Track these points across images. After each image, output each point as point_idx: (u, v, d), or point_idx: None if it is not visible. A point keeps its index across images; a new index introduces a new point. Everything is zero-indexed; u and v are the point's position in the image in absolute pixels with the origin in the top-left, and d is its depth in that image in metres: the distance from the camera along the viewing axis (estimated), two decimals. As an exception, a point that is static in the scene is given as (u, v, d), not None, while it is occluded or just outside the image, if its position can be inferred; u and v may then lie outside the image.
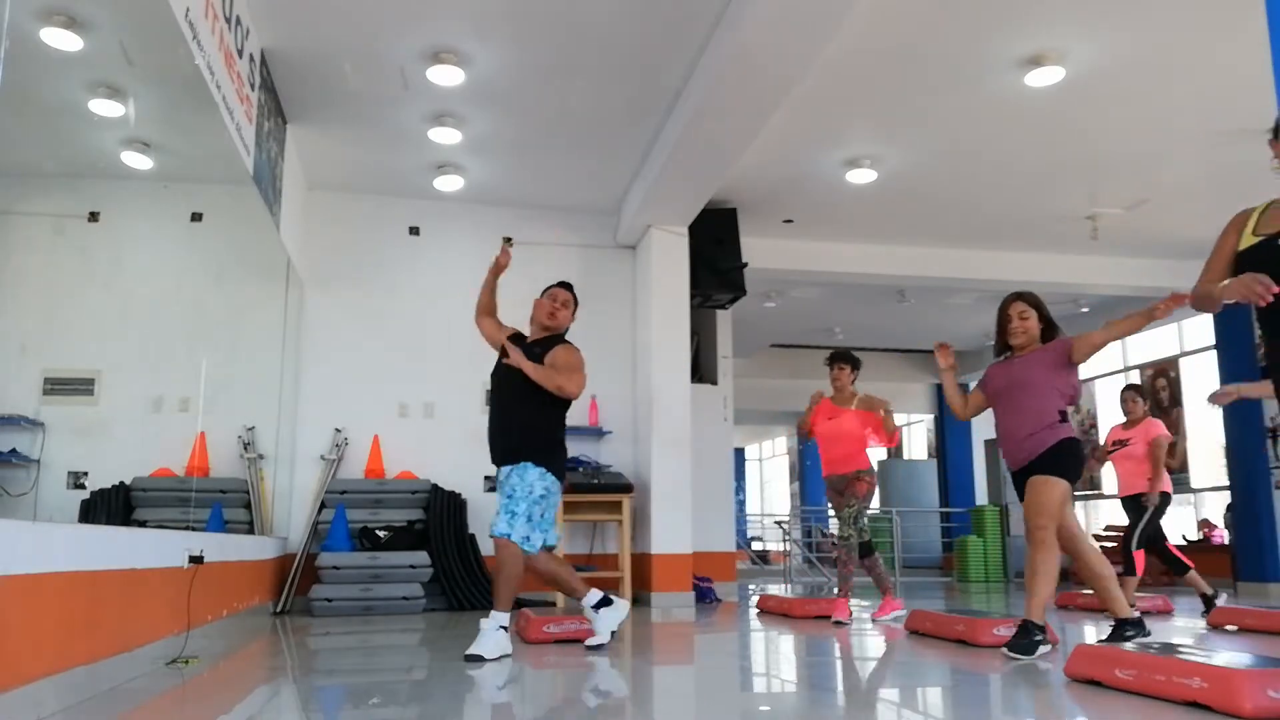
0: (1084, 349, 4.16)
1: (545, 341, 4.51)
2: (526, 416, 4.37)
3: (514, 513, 4.21)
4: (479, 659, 3.99)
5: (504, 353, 4.47)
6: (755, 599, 7.61)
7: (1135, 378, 12.07)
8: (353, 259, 7.74)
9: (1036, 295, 4.44)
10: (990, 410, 4.47)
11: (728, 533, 8.66)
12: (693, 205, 7.35)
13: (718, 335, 8.90)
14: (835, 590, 5.97)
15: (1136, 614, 4.37)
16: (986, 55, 5.62)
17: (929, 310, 11.43)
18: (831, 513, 6.07)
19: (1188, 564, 6.30)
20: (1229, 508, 9.86)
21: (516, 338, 4.57)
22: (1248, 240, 2.93)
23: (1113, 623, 4.33)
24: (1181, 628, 5.70)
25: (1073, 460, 4.11)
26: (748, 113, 5.74)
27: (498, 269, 4.68)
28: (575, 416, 7.80)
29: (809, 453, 18.97)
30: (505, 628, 4.15)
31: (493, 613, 4.15)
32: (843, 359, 6.07)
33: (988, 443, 14.23)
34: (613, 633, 4.46)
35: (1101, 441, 7.01)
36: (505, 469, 4.34)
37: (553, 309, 4.56)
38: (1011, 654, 3.98)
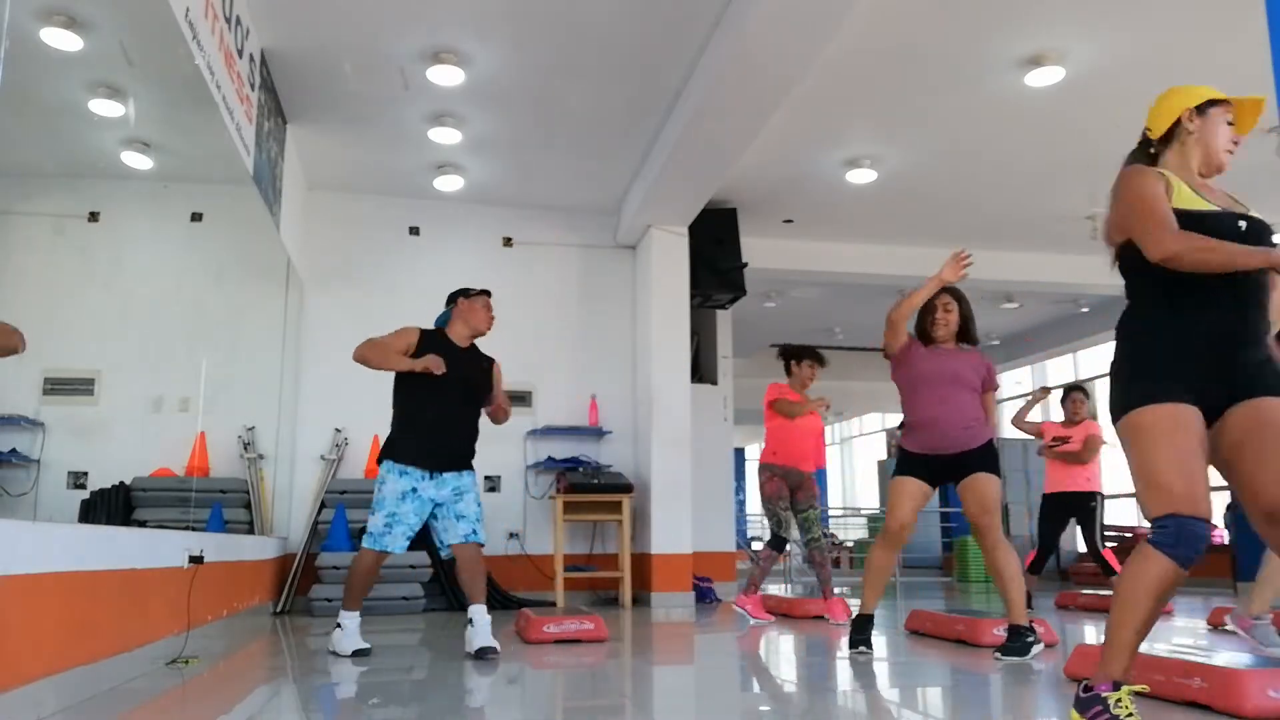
0: (988, 399, 4.36)
1: (478, 352, 4.53)
2: (475, 426, 4.49)
3: (480, 519, 4.41)
4: (494, 651, 4.11)
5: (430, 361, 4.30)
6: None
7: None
8: (353, 259, 7.74)
9: (962, 291, 4.50)
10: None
11: (728, 533, 8.66)
12: (693, 205, 7.35)
13: (718, 335, 8.91)
14: (823, 593, 6.00)
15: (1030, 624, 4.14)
16: (986, 55, 5.62)
17: (929, 310, 11.41)
18: (783, 505, 5.95)
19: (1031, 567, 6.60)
20: (1229, 508, 9.86)
21: (432, 337, 4.42)
22: (1193, 201, 2.60)
23: (1008, 629, 4.10)
24: (1181, 628, 5.70)
25: (998, 459, 4.30)
26: (748, 113, 5.74)
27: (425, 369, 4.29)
28: (575, 416, 7.88)
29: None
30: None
31: (478, 607, 4.23)
32: (820, 358, 6.27)
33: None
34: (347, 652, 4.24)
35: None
36: (454, 474, 4.36)
37: (490, 319, 4.53)
38: (1004, 657, 3.96)
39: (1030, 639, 3.99)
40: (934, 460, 4.23)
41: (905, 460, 4.31)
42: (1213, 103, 2.74)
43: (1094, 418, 6.74)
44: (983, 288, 9.92)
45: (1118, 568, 6.37)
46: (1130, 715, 2.21)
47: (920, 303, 4.39)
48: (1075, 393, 6.77)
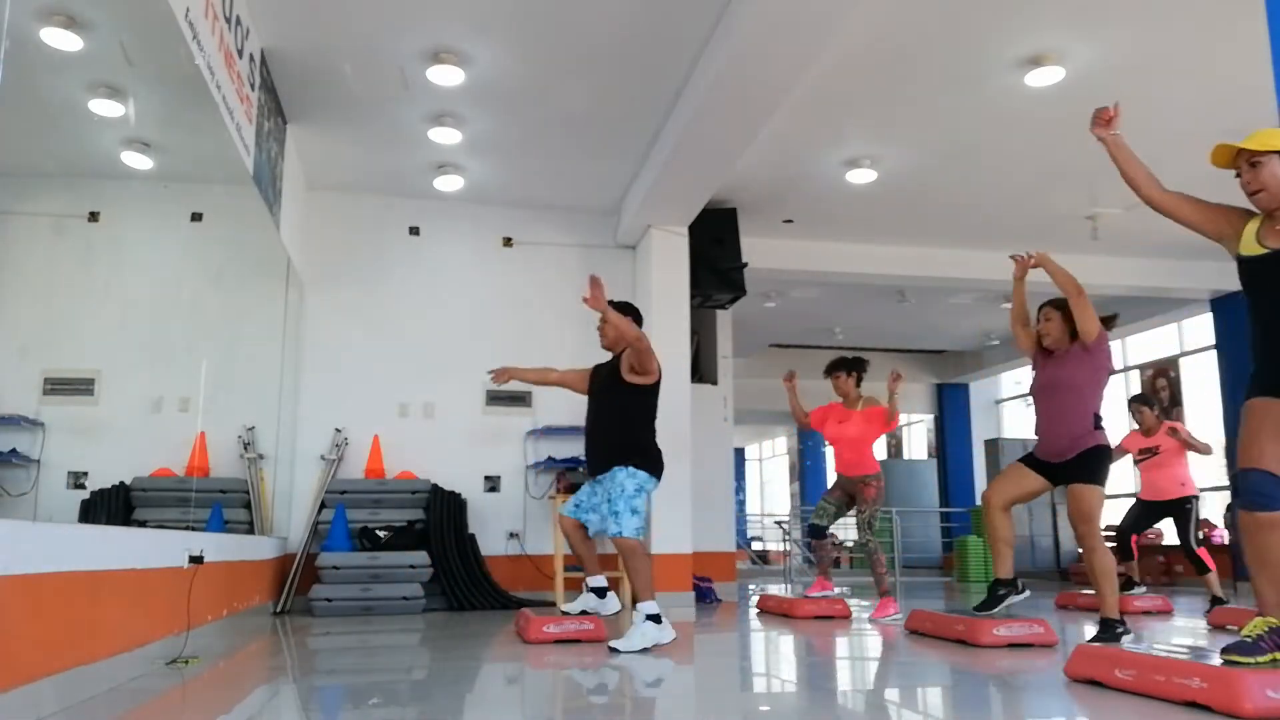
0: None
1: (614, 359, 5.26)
2: (612, 430, 5.19)
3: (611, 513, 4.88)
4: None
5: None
6: (755, 599, 7.61)
7: (1135, 378, 12.07)
8: (353, 259, 7.74)
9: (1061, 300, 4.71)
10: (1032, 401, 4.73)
11: (728, 533, 8.66)
12: (693, 205, 7.35)
13: (718, 335, 8.90)
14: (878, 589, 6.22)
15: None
16: (986, 55, 5.62)
17: (929, 310, 11.43)
18: (825, 502, 6.36)
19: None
20: (1229, 508, 9.86)
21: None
22: (1253, 247, 3.11)
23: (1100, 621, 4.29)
24: (1181, 628, 5.70)
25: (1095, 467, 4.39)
26: (748, 113, 5.74)
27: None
28: (575, 416, 7.85)
29: (809, 453, 18.97)
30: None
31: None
32: (839, 366, 6.42)
33: (987, 443, 14.24)
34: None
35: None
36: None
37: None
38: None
39: (1120, 629, 4.12)
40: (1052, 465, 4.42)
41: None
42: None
43: (1161, 417, 6.78)
44: (982, 288, 9.92)
45: (1211, 565, 6.39)
46: None
47: (1018, 308, 4.67)
48: (1134, 404, 6.83)
